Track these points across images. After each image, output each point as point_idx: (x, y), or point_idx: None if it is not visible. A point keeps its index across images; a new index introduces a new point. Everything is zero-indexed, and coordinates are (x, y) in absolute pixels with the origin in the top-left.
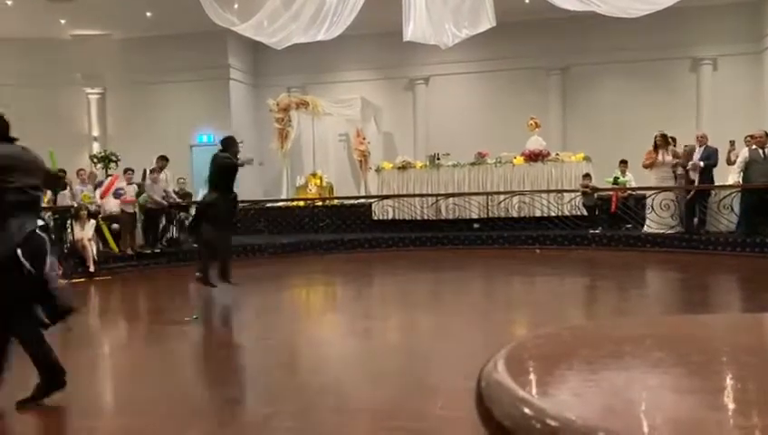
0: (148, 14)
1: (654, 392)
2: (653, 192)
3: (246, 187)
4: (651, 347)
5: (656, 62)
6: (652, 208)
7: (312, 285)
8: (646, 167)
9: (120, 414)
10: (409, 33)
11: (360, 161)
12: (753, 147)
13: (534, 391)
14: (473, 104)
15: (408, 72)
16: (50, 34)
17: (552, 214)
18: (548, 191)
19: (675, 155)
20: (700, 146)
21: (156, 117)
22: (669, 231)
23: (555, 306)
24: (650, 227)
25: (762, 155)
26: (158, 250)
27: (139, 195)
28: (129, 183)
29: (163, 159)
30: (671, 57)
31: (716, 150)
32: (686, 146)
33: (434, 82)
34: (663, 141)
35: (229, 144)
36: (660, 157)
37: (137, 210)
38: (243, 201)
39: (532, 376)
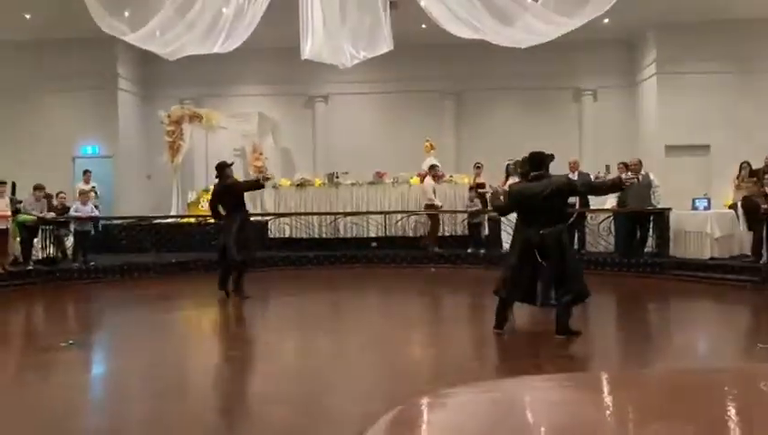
0: (27, 16)
1: None
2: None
3: (133, 202)
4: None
5: (543, 91)
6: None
7: (202, 306)
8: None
9: None
10: (307, 51)
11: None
12: (629, 173)
13: None
14: (372, 124)
15: (307, 90)
16: None
17: (447, 234)
18: (443, 212)
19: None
20: (573, 172)
21: (34, 126)
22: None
23: (445, 326)
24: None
25: (637, 181)
26: (30, 268)
27: (16, 212)
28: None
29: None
30: (556, 87)
31: (589, 175)
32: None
33: (333, 100)
34: (514, 169)
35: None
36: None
37: (9, 226)
38: (129, 217)
39: None
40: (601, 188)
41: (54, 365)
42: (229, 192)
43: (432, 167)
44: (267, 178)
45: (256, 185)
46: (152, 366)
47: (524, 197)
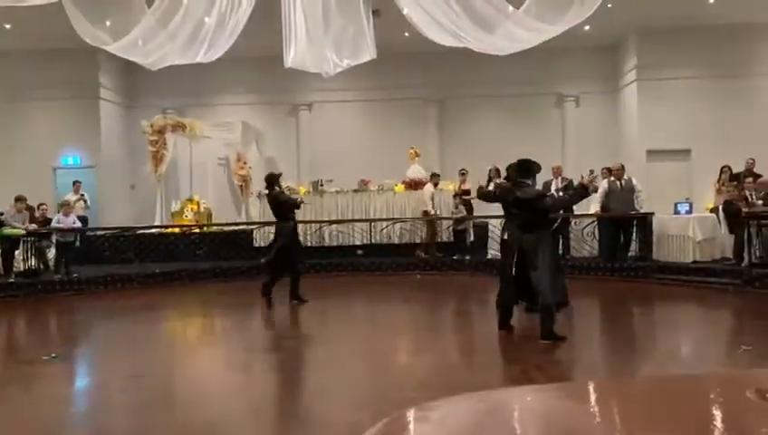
0: (8, 26)
1: None
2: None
3: (117, 212)
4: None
5: (525, 97)
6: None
7: (187, 316)
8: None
9: None
10: (290, 60)
11: (241, 186)
12: (612, 178)
13: None
14: (356, 132)
15: (291, 98)
16: None
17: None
18: (428, 219)
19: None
20: (556, 177)
21: (15, 137)
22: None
23: (431, 333)
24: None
25: (619, 186)
26: (12, 280)
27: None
28: None
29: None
30: (539, 93)
31: (571, 181)
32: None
33: (317, 108)
34: (496, 174)
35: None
36: (492, 188)
37: None
38: (113, 228)
39: None
40: (571, 202)
41: (37, 378)
42: (272, 202)
43: (434, 175)
44: (302, 202)
45: (295, 204)
46: (137, 377)
47: (513, 197)
